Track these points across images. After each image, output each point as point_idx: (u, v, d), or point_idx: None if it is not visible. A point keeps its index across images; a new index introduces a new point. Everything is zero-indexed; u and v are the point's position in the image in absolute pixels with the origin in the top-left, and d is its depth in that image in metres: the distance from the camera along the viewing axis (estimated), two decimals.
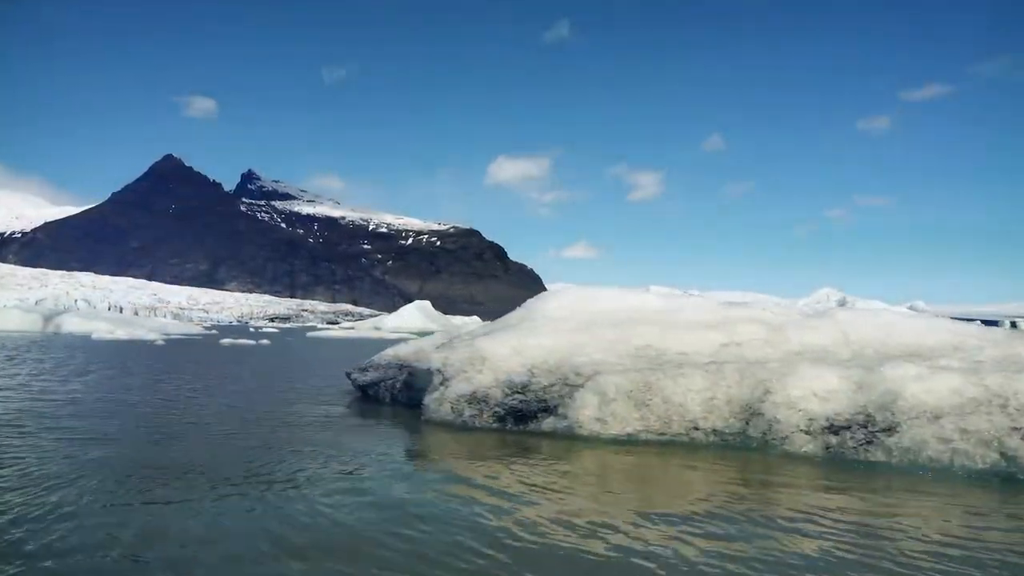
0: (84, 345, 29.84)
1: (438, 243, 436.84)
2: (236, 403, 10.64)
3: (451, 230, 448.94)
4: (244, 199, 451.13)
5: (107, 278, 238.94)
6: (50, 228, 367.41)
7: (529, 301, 11.44)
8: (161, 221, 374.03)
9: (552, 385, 8.62)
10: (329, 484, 5.91)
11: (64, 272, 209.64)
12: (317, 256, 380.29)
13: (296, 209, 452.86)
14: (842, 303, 49.25)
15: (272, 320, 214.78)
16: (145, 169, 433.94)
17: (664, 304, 10.87)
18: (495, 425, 8.54)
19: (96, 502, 5.20)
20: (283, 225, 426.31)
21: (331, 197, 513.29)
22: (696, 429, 7.67)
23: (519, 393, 8.65)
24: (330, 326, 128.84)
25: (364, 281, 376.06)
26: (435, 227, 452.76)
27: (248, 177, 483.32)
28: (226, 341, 36.43)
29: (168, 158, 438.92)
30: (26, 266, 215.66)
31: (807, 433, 7.23)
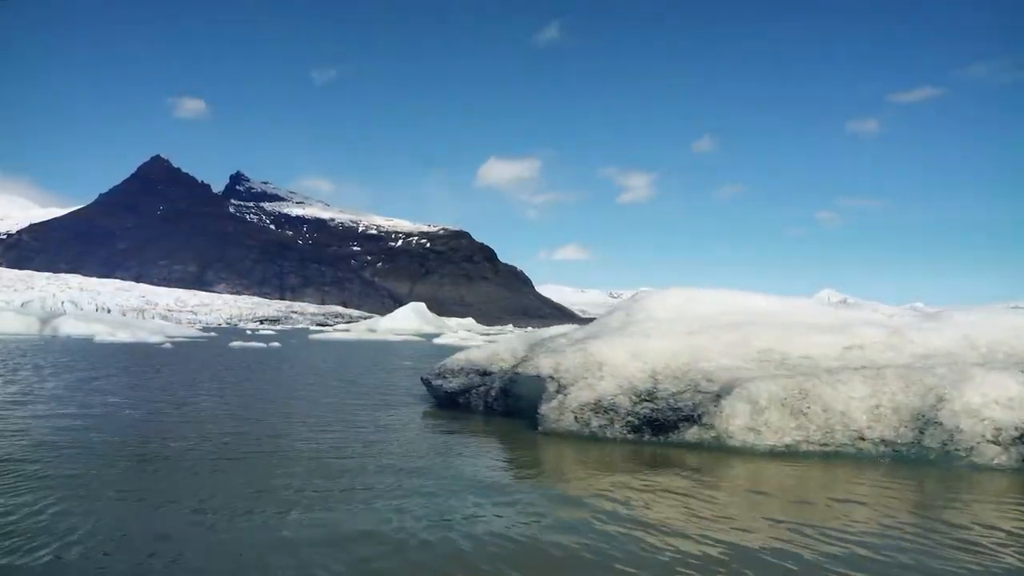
0: (92, 349, 28.97)
1: (428, 245, 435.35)
2: (320, 415, 9.95)
3: (441, 232, 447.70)
4: (233, 200, 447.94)
5: (94, 280, 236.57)
6: (36, 229, 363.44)
7: (624, 302, 10.84)
8: (149, 223, 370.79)
9: (682, 392, 8.01)
10: (481, 509, 5.31)
11: (51, 274, 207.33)
12: (306, 258, 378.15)
13: (285, 211, 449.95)
14: (843, 304, 48.82)
15: (261, 322, 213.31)
16: (133, 170, 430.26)
17: (769, 305, 10.31)
18: (631, 436, 7.91)
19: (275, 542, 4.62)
20: (272, 227, 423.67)
21: (320, 199, 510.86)
22: (862, 439, 7.08)
23: (647, 401, 8.04)
24: (324, 328, 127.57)
25: (354, 283, 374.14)
26: (425, 229, 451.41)
27: (237, 178, 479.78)
28: (236, 344, 35.63)
29: (156, 159, 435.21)
30: (12, 268, 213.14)
31: (996, 444, 6.65)
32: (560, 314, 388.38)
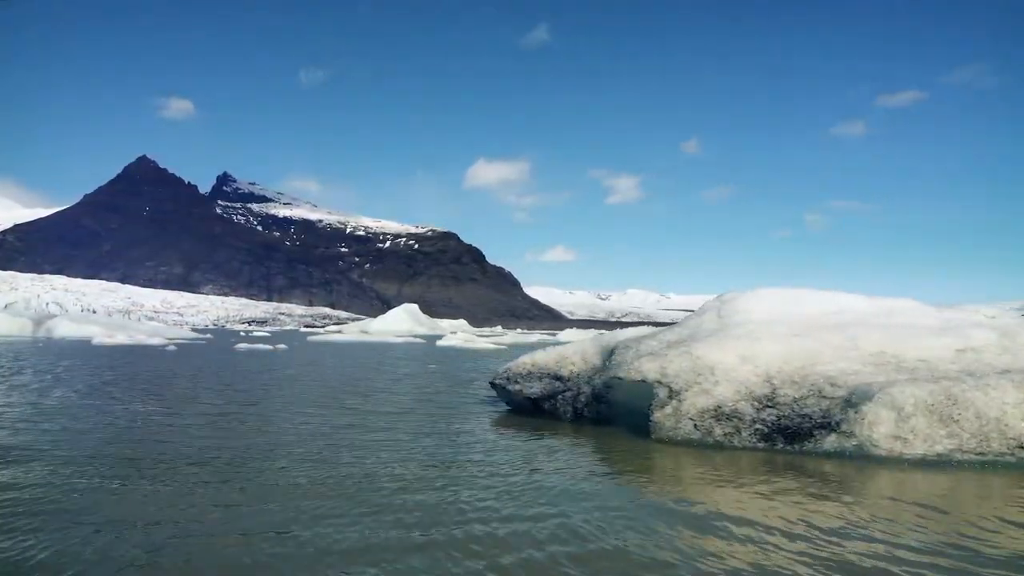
0: (93, 352, 28.20)
1: (416, 246, 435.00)
2: (396, 424, 9.28)
3: (429, 233, 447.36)
4: (220, 201, 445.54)
5: (79, 281, 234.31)
6: (20, 230, 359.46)
7: (710, 303, 10.40)
8: (134, 223, 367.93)
9: (804, 397, 7.55)
10: (620, 526, 4.82)
11: (35, 275, 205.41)
12: (294, 259, 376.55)
13: (273, 212, 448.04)
14: None
15: (249, 324, 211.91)
16: (119, 171, 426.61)
17: (869, 306, 9.89)
18: (761, 445, 7.43)
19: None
20: (259, 228, 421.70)
21: (308, 200, 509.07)
22: (1022, 448, 6.64)
23: (770, 407, 7.57)
24: (315, 329, 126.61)
25: (342, 284, 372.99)
26: (413, 230, 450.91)
27: (224, 179, 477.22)
28: (241, 346, 34.92)
29: (142, 160, 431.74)
30: None
31: None
32: (549, 316, 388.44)
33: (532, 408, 10.26)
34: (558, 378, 10.27)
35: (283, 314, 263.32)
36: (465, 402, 11.84)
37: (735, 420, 7.55)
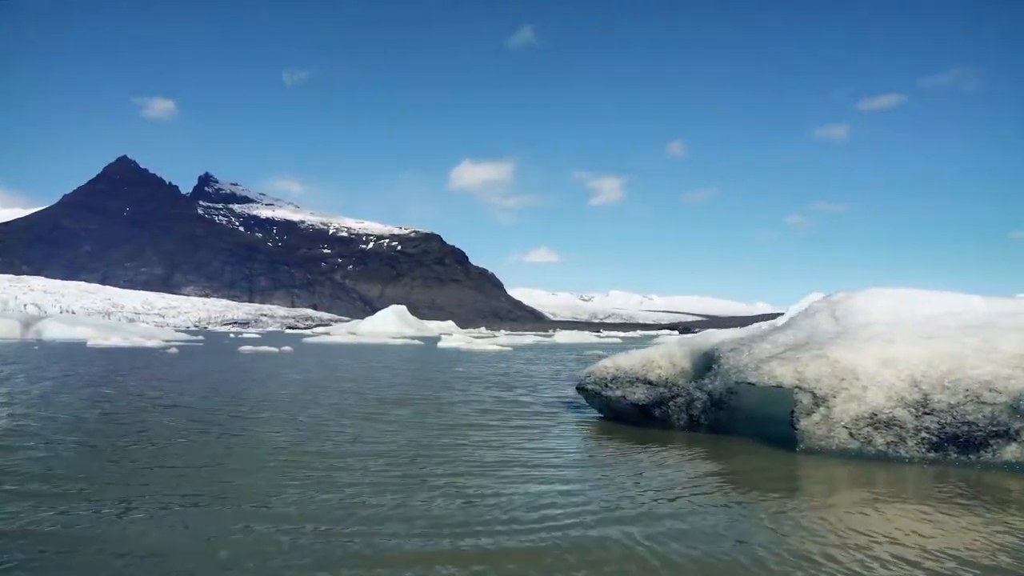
0: (95, 355, 27.24)
1: (399, 247, 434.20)
2: (489, 436, 8.44)
3: (412, 234, 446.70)
4: (201, 202, 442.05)
5: (58, 282, 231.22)
6: None
7: (819, 304, 9.85)
8: (114, 224, 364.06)
9: (962, 404, 7.02)
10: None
11: (12, 276, 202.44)
12: (276, 260, 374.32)
13: (255, 212, 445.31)
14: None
15: (231, 325, 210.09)
16: (99, 171, 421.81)
17: (989, 306, 9.41)
18: (931, 455, 6.88)
19: None
20: (241, 228, 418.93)
21: (291, 200, 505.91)
22: None
23: (928, 414, 7.05)
24: (304, 331, 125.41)
25: (324, 285, 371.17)
26: (396, 231, 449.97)
27: (205, 180, 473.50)
28: (246, 348, 34.04)
29: (123, 160, 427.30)
30: None
31: None
32: (532, 317, 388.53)
33: (638, 415, 9.67)
34: (648, 383, 9.72)
35: (265, 315, 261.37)
36: (548, 410, 11.08)
37: (896, 428, 7.00)
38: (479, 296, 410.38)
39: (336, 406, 11.10)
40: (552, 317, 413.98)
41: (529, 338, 65.55)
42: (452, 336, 59.46)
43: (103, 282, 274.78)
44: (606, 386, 10.02)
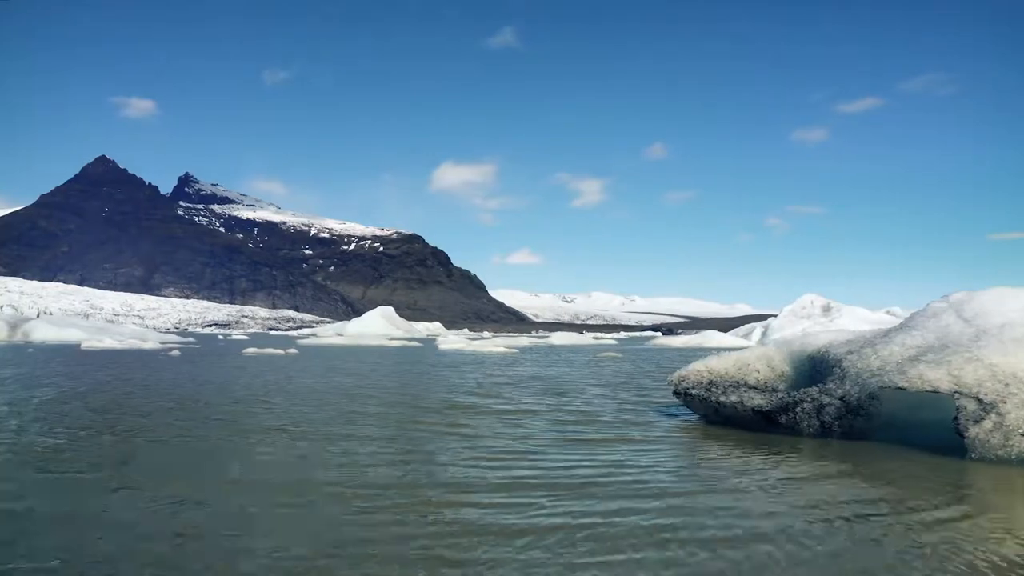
0: (98, 358, 26.95)
1: (381, 249, 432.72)
2: (611, 452, 7.77)
3: (394, 236, 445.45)
4: (181, 203, 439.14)
5: (35, 283, 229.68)
6: None
7: (941, 305, 9.67)
8: (93, 225, 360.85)
9: None
10: None
11: None
12: (257, 261, 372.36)
13: (236, 213, 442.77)
14: (827, 309, 49.85)
15: (212, 327, 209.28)
16: (77, 171, 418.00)
17: None
18: None
19: None
20: (222, 229, 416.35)
21: (272, 202, 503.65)
22: None
23: None
24: (290, 332, 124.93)
25: (306, 287, 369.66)
26: (378, 232, 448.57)
27: (186, 180, 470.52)
28: (251, 350, 33.15)
29: (101, 159, 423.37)
30: None
31: None
32: (514, 318, 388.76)
33: (759, 421, 9.37)
34: (747, 386, 9.56)
35: (246, 317, 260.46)
36: (633, 419, 10.38)
37: None
38: (461, 297, 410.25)
39: (405, 419, 10.09)
40: (534, 318, 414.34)
41: (523, 340, 64.02)
42: (447, 338, 58.80)
43: (81, 283, 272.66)
44: (711, 390, 9.78)
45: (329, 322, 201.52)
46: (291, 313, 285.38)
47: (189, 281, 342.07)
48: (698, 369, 10.11)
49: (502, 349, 37.00)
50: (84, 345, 36.09)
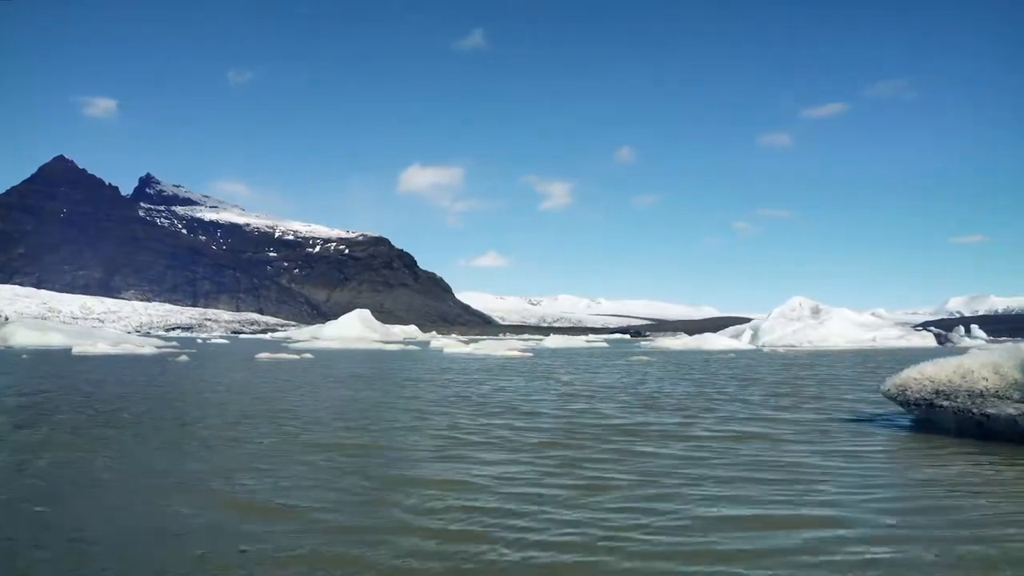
0: (103, 364, 26.12)
1: (347, 251, 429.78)
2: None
3: (360, 238, 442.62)
4: (143, 204, 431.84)
5: None
6: None
7: None
8: (51, 226, 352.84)
9: None
10: None
11: None
12: (220, 264, 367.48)
13: (198, 215, 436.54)
14: (816, 311, 50.96)
15: (175, 330, 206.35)
16: (34, 171, 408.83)
17: None
18: None
19: None
20: (184, 231, 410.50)
21: (236, 203, 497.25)
22: None
23: None
24: (250, 336, 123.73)
25: (270, 290, 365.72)
26: (344, 235, 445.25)
27: (147, 181, 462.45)
28: (264, 355, 32.11)
29: (59, 159, 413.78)
30: None
31: None
32: (481, 321, 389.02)
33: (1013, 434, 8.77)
34: (982, 396, 9.02)
35: (210, 320, 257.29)
36: (853, 431, 9.97)
37: None
38: (427, 300, 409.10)
39: (600, 440, 9.13)
40: (500, 321, 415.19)
41: (512, 341, 60.99)
42: (442, 340, 57.56)
43: (38, 285, 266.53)
44: (940, 398, 9.37)
45: (294, 325, 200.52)
46: (256, 316, 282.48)
47: (151, 284, 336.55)
48: (915, 377, 9.70)
49: (515, 353, 35.64)
50: (76, 351, 34.71)
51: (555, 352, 44.30)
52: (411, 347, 47.94)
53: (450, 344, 42.99)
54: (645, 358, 33.68)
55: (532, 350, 44.55)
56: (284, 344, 56.91)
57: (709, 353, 40.70)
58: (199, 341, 66.88)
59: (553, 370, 24.20)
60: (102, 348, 35.74)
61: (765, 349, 45.97)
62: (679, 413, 12.25)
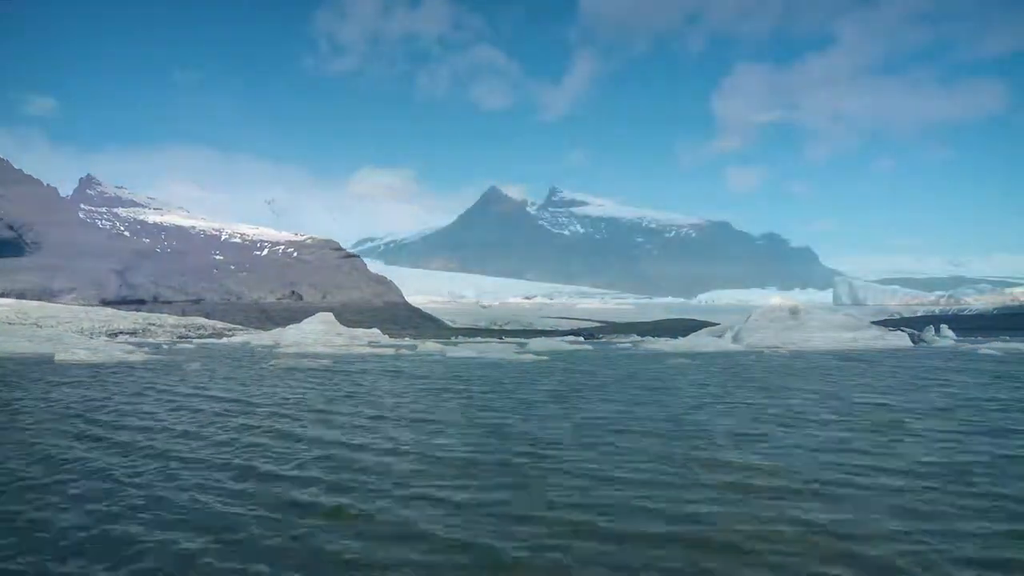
0: (110, 374, 24.68)
1: (295, 254, 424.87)
2: None
3: (308, 241, 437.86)
4: (83, 205, 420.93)
5: None
6: None
7: None
8: None
9: None
10: None
11: None
12: (165, 268, 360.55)
13: (142, 217, 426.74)
14: (795, 312, 51.83)
15: (115, 335, 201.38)
16: None
17: None
18: None
19: None
20: (127, 234, 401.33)
21: (181, 206, 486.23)
22: None
23: None
24: (198, 340, 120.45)
25: (216, 293, 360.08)
26: (292, 238, 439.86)
27: (87, 182, 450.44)
28: (280, 362, 30.34)
29: None
30: None
31: None
32: (432, 323, 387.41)
33: None
34: None
35: (154, 325, 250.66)
36: None
37: None
38: (376, 303, 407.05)
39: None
40: (451, 324, 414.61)
41: (499, 345, 54.33)
42: (427, 344, 55.40)
43: None
44: None
45: (243, 330, 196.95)
46: (202, 320, 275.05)
47: (92, 287, 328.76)
48: None
49: (530, 356, 34.53)
50: (58, 358, 32.72)
51: (560, 355, 39.42)
52: (404, 352, 43.22)
53: (455, 349, 41.40)
54: (682, 361, 31.11)
55: (532, 352, 42.09)
56: (266, 349, 51.36)
57: (727, 355, 37.16)
58: (165, 347, 63.97)
59: (667, 380, 21.31)
60: (82, 356, 33.34)
61: (752, 351, 42.99)
62: (845, 435, 11.06)
